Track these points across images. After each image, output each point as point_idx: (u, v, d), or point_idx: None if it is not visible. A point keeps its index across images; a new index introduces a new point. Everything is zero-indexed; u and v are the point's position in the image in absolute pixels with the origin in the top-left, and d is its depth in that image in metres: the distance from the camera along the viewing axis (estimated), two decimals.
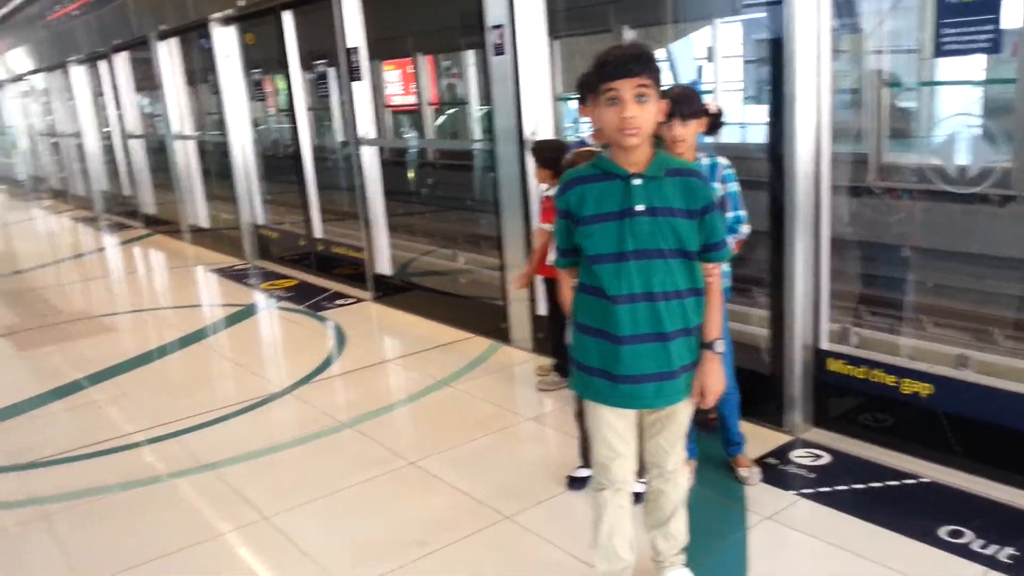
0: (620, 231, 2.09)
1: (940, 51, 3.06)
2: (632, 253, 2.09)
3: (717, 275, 2.20)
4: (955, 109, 5.94)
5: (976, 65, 5.90)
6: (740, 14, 7.83)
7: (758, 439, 3.45)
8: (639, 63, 1.99)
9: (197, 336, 5.67)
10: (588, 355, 2.21)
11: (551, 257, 3.00)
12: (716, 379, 2.20)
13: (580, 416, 3.14)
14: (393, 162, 9.30)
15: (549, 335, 4.36)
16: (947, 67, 6.16)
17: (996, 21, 2.88)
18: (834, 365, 3.45)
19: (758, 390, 3.59)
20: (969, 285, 4.54)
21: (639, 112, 1.99)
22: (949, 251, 4.75)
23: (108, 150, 12.45)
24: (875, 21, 5.90)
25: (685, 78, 9.85)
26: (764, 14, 3.35)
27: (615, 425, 2.25)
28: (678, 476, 2.38)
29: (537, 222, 4.22)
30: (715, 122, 2.96)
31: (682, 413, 2.28)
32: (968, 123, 5.74)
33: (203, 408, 4.22)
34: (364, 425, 3.94)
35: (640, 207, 2.08)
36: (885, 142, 5.58)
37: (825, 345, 3.51)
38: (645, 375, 2.14)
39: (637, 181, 2.08)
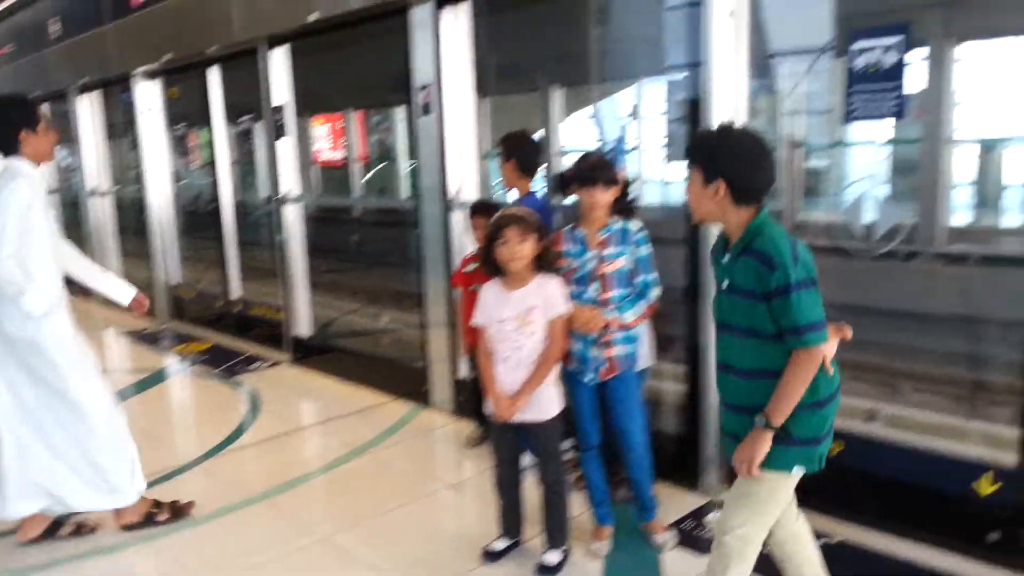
0: (716, 302, 2.28)
1: (850, 117, 3.17)
2: (717, 325, 2.27)
3: (792, 361, 2.09)
4: (865, 170, 6.16)
5: (886, 127, 6.13)
6: (664, 74, 8.04)
7: (674, 502, 3.42)
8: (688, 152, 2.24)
9: None
10: None
11: (472, 319, 2.95)
12: (742, 448, 2.16)
13: (500, 486, 3.03)
14: (318, 218, 9.18)
15: (472, 397, 4.26)
16: (860, 129, 6.38)
17: (900, 88, 2.98)
18: None
19: (675, 451, 3.56)
20: (877, 339, 4.63)
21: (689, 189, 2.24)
22: (858, 305, 4.86)
23: None
24: (791, 83, 6.11)
25: (611, 136, 10.04)
26: (685, 75, 3.42)
27: None
28: (720, 543, 2.27)
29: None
30: (623, 192, 3.01)
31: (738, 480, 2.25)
32: (876, 182, 5.95)
33: None
34: (276, 498, 3.75)
35: (725, 283, 2.22)
36: (799, 201, 5.74)
37: None
38: (726, 432, 2.31)
39: (725, 259, 2.22)
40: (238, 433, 4.66)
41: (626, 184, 3.02)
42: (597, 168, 2.90)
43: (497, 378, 2.86)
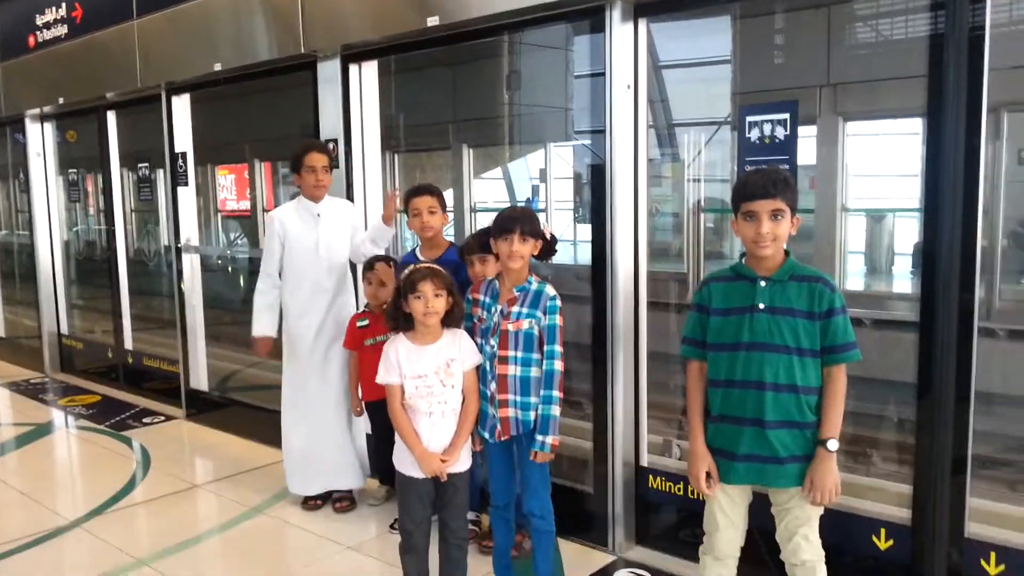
0: (740, 322, 2.34)
1: None
2: (733, 345, 2.34)
3: (837, 377, 2.30)
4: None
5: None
6: (571, 140, 8.29)
7: (583, 560, 3.39)
8: (776, 187, 2.25)
9: None
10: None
11: (379, 377, 2.86)
12: (825, 477, 2.28)
13: (411, 551, 2.91)
14: (223, 268, 8.93)
15: (375, 453, 4.16)
16: None
17: (793, 159, 3.12)
18: (654, 482, 3.48)
19: (583, 507, 3.57)
20: None
21: (773, 228, 2.26)
22: None
23: None
24: (693, 152, 6.38)
25: (521, 195, 10.21)
26: (590, 141, 3.51)
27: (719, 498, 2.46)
28: (816, 570, 2.39)
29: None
30: (548, 248, 2.94)
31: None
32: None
33: None
34: (163, 562, 3.53)
35: (761, 305, 2.30)
36: (702, 262, 5.93)
37: (645, 462, 3.54)
38: (742, 455, 2.36)
39: (763, 283, 2.32)
40: (126, 491, 4.40)
41: (553, 240, 2.93)
42: (514, 219, 2.79)
43: (421, 434, 2.79)
